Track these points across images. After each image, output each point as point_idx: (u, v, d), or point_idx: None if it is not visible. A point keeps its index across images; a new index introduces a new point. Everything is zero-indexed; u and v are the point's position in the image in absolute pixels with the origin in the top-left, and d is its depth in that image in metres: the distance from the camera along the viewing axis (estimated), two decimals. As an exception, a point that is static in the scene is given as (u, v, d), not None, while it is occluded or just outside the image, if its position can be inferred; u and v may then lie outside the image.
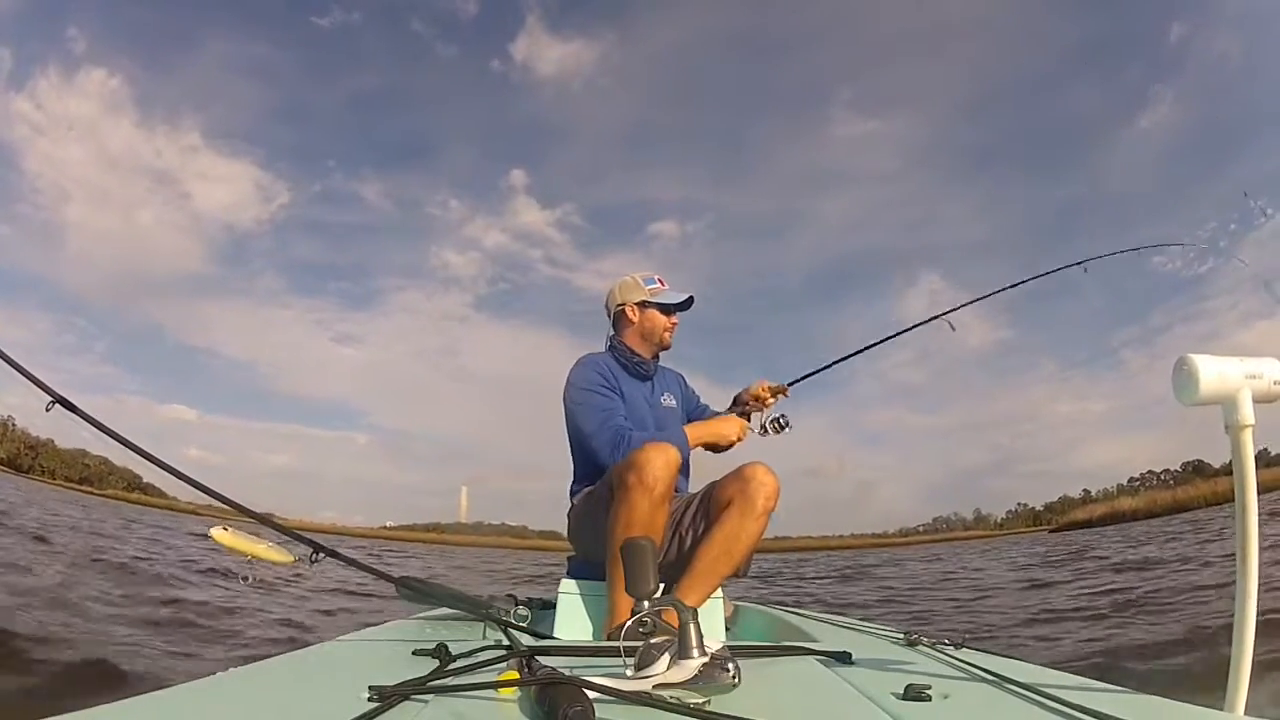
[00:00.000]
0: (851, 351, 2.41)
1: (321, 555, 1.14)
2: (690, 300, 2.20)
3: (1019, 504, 45.34)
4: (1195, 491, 27.70)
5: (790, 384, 2.25)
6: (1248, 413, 0.90)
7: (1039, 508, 43.43)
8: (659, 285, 2.20)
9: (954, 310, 2.36)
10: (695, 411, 2.31)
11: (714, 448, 2.15)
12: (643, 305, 2.17)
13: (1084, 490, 41.79)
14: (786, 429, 2.15)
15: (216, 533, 0.95)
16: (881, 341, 2.41)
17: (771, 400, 2.20)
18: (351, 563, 1.44)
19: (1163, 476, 39.45)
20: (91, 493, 33.90)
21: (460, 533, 44.83)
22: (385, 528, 44.66)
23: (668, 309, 2.18)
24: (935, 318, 2.37)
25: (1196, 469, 36.66)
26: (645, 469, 1.69)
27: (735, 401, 2.30)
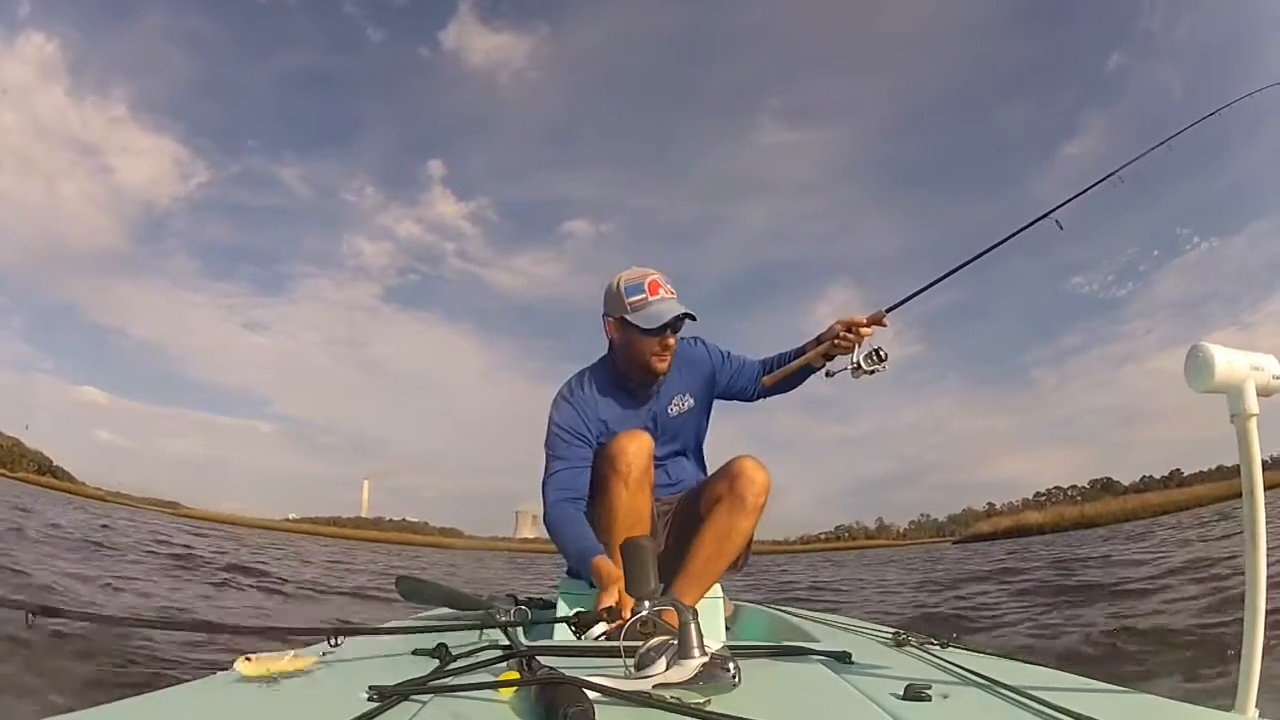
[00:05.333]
0: (959, 264, 1.95)
1: (340, 640, 1.07)
2: (682, 319, 1.75)
3: (922, 515, 44.33)
4: (1104, 508, 27.31)
5: (889, 310, 1.85)
6: (1253, 402, 0.93)
7: (942, 519, 42.48)
8: (647, 294, 1.73)
9: (1061, 206, 1.96)
10: (736, 377, 1.98)
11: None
12: (622, 322, 1.76)
13: (989, 504, 40.58)
14: (884, 364, 1.81)
15: (241, 666, 0.92)
16: (993, 247, 1.92)
17: (869, 331, 1.80)
18: (369, 632, 1.43)
19: (1069, 492, 38.81)
20: (4, 475, 33.20)
21: (361, 527, 44.39)
22: (288, 520, 42.50)
23: (650, 331, 1.73)
24: (1044, 216, 1.95)
25: (1105, 486, 36.36)
26: (619, 458, 1.72)
27: (818, 341, 1.89)
